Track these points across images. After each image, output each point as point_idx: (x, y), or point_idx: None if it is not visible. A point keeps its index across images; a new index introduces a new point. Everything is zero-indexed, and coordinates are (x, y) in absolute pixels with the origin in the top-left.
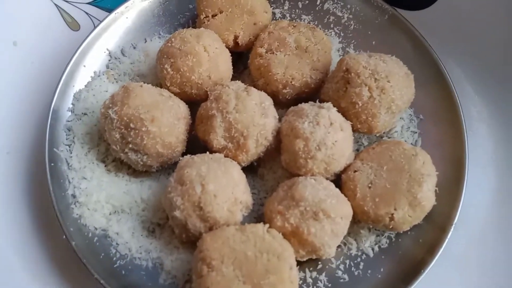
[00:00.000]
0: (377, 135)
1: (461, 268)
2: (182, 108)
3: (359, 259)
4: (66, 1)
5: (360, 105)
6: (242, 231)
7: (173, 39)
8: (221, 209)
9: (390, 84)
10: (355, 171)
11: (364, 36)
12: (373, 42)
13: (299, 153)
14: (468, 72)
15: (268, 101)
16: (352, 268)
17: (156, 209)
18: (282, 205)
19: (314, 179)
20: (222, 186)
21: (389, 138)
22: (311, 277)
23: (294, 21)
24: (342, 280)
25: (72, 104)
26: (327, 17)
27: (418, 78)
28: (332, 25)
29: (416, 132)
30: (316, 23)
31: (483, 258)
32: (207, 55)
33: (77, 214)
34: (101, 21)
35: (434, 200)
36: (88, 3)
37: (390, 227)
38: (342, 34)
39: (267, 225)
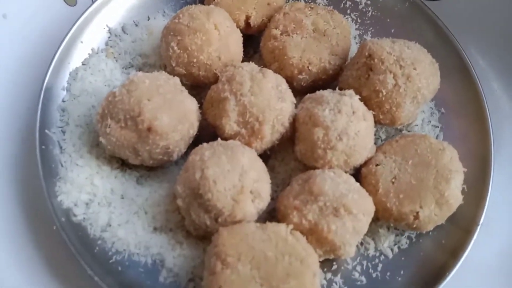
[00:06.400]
0: (399, 128)
1: (485, 275)
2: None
3: (377, 260)
4: None
5: (384, 93)
6: (263, 229)
7: (180, 15)
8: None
9: (417, 71)
10: (377, 165)
11: (382, 24)
12: (392, 30)
13: (317, 143)
14: (492, 63)
15: (285, 85)
16: (370, 270)
17: (156, 203)
18: (298, 200)
19: (333, 171)
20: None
21: (408, 131)
22: (325, 278)
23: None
24: (359, 283)
25: (68, 83)
26: (344, 1)
27: (439, 69)
28: (348, 11)
29: (437, 127)
30: (331, 8)
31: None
32: (218, 34)
33: (69, 203)
34: None
35: (461, 199)
36: None
37: (414, 226)
38: (359, 21)
39: (291, 226)
